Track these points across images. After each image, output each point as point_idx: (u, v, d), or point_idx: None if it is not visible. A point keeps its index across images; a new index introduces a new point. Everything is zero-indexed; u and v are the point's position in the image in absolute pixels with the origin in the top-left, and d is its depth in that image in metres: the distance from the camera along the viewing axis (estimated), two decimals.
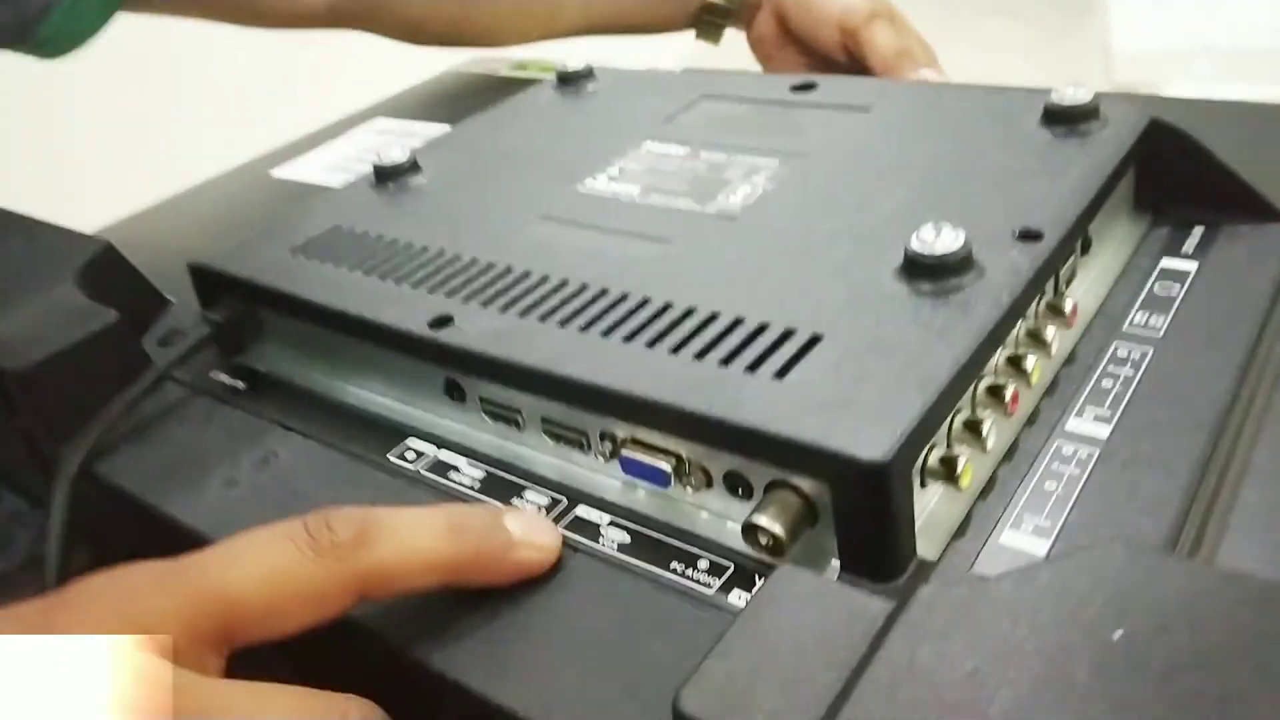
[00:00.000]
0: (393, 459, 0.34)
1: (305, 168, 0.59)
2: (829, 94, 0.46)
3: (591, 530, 0.30)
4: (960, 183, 0.36)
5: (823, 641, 0.21)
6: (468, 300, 0.35)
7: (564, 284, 0.34)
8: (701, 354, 0.30)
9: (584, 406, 0.31)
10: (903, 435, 0.25)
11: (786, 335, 0.30)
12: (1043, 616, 0.20)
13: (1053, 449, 0.29)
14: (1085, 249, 0.36)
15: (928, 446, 0.27)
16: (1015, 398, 0.29)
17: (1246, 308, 0.33)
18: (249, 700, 0.23)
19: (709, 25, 0.69)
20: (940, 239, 0.31)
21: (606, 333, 0.32)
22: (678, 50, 0.74)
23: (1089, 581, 0.20)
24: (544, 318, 0.33)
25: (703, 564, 0.28)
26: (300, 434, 0.36)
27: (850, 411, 0.26)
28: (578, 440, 0.31)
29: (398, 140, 0.58)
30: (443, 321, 0.34)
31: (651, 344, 0.31)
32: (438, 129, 0.56)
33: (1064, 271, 0.34)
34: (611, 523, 0.30)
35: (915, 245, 0.31)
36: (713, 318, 0.31)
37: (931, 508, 0.28)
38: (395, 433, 0.35)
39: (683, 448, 0.29)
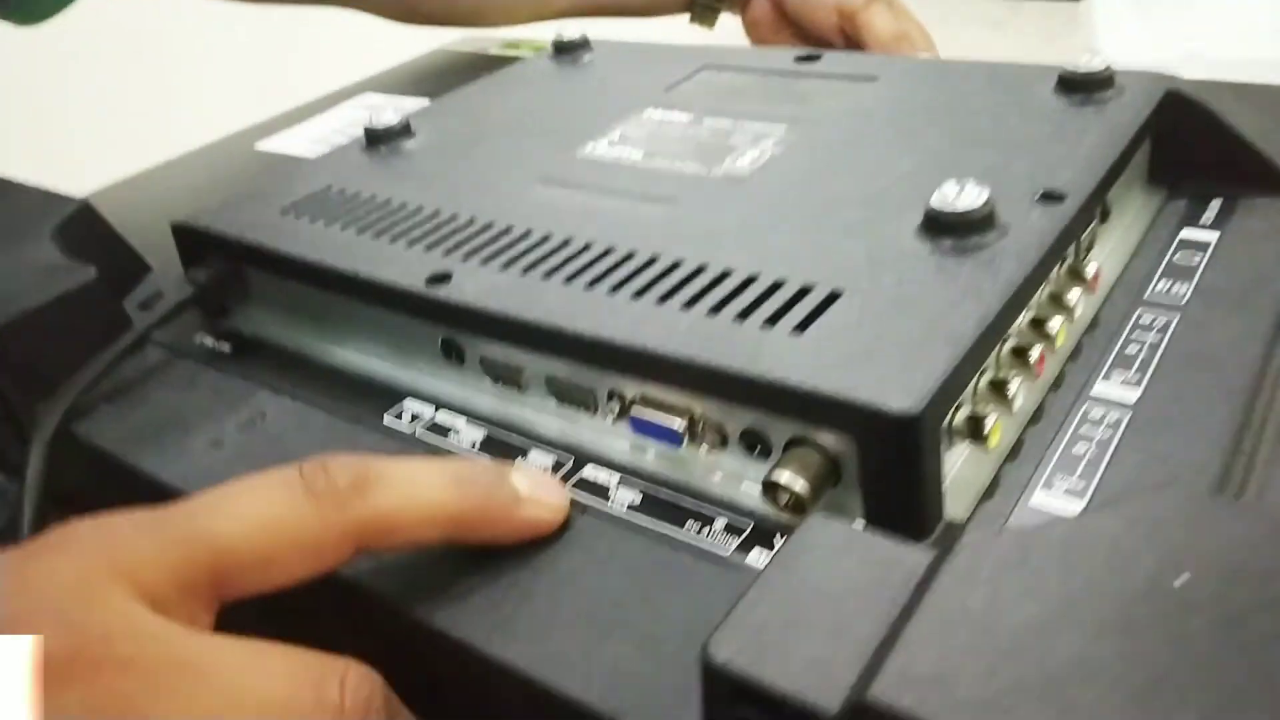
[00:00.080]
0: (388, 421, 0.32)
1: (291, 140, 0.57)
2: (834, 65, 0.45)
3: (600, 490, 0.28)
4: (977, 147, 0.35)
5: (860, 590, 0.20)
6: (467, 258, 0.33)
7: (567, 242, 0.33)
8: (715, 309, 0.28)
9: (592, 364, 0.29)
10: (934, 387, 0.24)
11: (804, 291, 0.29)
12: (1098, 563, 0.18)
13: (1081, 412, 0.28)
14: (1104, 217, 0.35)
15: (955, 404, 0.26)
16: (1041, 358, 0.28)
17: (1272, 276, 0.32)
18: (242, 656, 0.22)
19: (704, 9, 0.68)
20: (962, 196, 0.30)
21: (614, 289, 0.30)
22: (671, 35, 0.73)
23: (1145, 528, 0.19)
24: (548, 275, 0.31)
25: (719, 524, 0.26)
26: (289, 396, 0.34)
27: (877, 364, 0.25)
28: (584, 400, 0.30)
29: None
30: (441, 278, 0.32)
31: (662, 300, 0.29)
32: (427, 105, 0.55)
33: (1084, 237, 0.33)
34: (621, 482, 0.28)
35: (936, 202, 0.30)
36: (725, 274, 0.30)
37: (958, 468, 0.27)
38: (391, 395, 0.34)
39: (696, 405, 0.28)
